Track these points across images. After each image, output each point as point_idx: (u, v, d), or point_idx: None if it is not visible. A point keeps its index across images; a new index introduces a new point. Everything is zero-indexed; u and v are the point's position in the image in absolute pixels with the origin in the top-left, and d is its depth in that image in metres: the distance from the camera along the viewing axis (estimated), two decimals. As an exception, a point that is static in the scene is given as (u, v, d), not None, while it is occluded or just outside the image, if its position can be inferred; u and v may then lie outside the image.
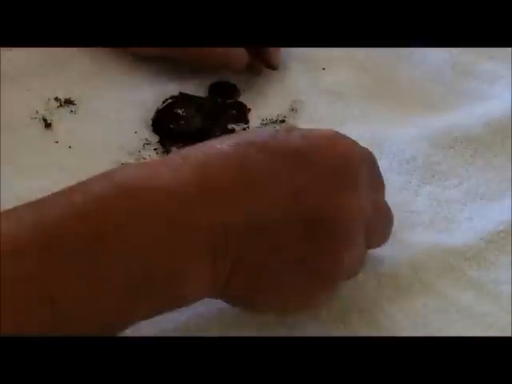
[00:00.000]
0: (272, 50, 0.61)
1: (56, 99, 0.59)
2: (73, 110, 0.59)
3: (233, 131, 0.58)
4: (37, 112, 0.59)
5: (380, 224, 0.47)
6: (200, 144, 0.43)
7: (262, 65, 0.62)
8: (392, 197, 0.54)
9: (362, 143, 0.57)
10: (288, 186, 0.41)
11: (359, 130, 0.58)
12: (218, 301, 0.46)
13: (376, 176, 0.47)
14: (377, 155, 0.56)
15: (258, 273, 0.42)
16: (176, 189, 0.39)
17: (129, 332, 0.43)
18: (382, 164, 0.56)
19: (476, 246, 0.52)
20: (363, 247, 0.45)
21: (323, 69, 0.64)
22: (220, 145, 0.42)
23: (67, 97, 0.59)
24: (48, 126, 0.58)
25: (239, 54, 0.59)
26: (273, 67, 0.62)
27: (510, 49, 0.63)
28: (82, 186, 0.40)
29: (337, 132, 0.45)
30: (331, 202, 0.42)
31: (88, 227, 0.38)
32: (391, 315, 0.48)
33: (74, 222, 0.38)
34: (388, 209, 0.48)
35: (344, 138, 0.45)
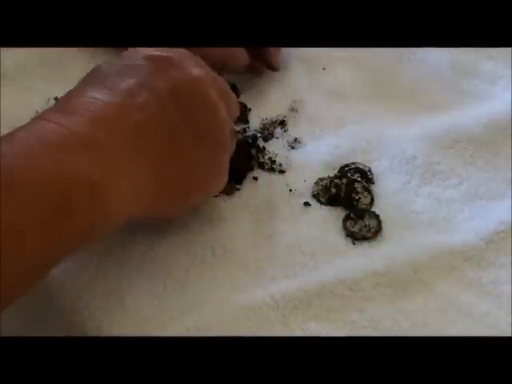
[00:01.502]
0: (273, 50, 0.61)
1: (56, 99, 0.59)
2: (73, 109, 0.59)
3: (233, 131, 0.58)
4: (37, 112, 0.58)
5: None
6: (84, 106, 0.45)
7: (262, 65, 0.62)
8: (392, 197, 0.55)
9: (362, 143, 0.58)
10: (182, 116, 0.47)
11: (359, 130, 0.59)
12: (218, 300, 0.46)
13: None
14: (377, 155, 0.57)
15: (176, 181, 0.48)
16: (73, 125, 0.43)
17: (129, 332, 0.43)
18: (382, 164, 0.56)
19: (476, 246, 0.52)
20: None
21: (323, 69, 0.64)
22: (104, 105, 0.45)
23: (67, 97, 0.59)
24: (48, 125, 0.58)
25: (240, 55, 0.59)
26: (274, 68, 0.62)
27: (510, 49, 0.63)
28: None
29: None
30: (203, 119, 0.48)
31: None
32: (391, 315, 0.48)
33: None
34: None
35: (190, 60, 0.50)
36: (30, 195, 0.39)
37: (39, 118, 0.44)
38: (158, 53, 0.48)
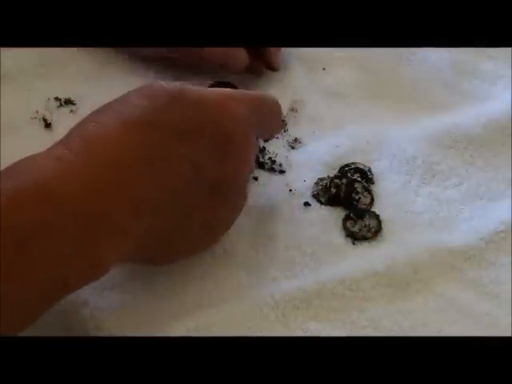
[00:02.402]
0: (273, 50, 0.61)
1: (56, 99, 0.59)
2: (73, 109, 0.59)
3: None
4: (37, 112, 0.59)
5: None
6: (83, 127, 0.43)
7: (262, 66, 0.62)
8: (392, 197, 0.55)
9: (362, 143, 0.58)
10: (188, 160, 0.44)
11: (359, 130, 0.59)
12: (218, 300, 0.46)
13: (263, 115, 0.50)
14: (377, 155, 0.57)
15: (169, 235, 0.45)
16: (84, 185, 0.40)
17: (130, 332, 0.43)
18: (382, 164, 0.56)
19: (476, 246, 0.52)
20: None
21: (323, 69, 0.64)
22: (104, 127, 0.42)
23: (67, 97, 0.59)
24: (48, 125, 0.58)
25: (239, 56, 0.59)
26: (273, 68, 0.62)
27: (510, 49, 0.63)
28: None
29: (225, 96, 0.46)
30: (227, 170, 0.46)
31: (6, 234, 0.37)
32: (391, 315, 0.48)
33: None
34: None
35: (232, 101, 0.46)
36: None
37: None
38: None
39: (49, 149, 0.42)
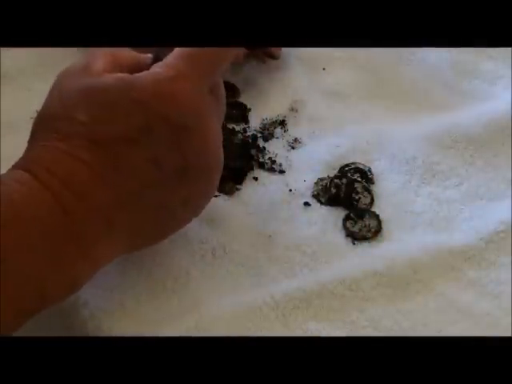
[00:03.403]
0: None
1: (56, 99, 0.59)
2: (73, 109, 0.59)
3: (233, 131, 0.58)
4: (37, 112, 0.58)
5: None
6: (35, 151, 0.44)
7: (263, 55, 0.62)
8: (392, 197, 0.55)
9: (362, 143, 0.58)
10: (144, 161, 0.43)
11: (359, 130, 0.59)
12: (218, 300, 0.46)
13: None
14: (377, 155, 0.57)
15: (150, 224, 0.45)
16: (50, 207, 0.41)
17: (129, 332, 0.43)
18: (382, 164, 0.57)
19: (476, 246, 0.52)
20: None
21: (323, 69, 0.64)
22: (54, 149, 0.43)
23: (67, 97, 0.59)
24: (48, 125, 0.58)
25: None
26: (274, 57, 0.62)
27: (510, 49, 0.63)
28: None
29: (165, 83, 0.45)
30: (189, 155, 0.45)
31: None
32: (391, 315, 0.48)
33: None
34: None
35: (172, 84, 0.45)
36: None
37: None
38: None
39: (9, 172, 0.43)
